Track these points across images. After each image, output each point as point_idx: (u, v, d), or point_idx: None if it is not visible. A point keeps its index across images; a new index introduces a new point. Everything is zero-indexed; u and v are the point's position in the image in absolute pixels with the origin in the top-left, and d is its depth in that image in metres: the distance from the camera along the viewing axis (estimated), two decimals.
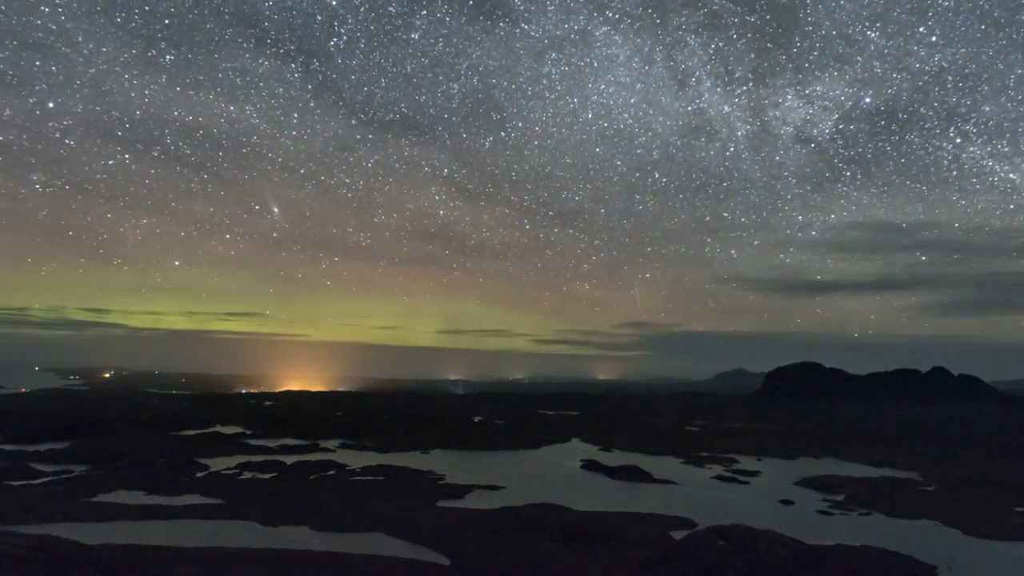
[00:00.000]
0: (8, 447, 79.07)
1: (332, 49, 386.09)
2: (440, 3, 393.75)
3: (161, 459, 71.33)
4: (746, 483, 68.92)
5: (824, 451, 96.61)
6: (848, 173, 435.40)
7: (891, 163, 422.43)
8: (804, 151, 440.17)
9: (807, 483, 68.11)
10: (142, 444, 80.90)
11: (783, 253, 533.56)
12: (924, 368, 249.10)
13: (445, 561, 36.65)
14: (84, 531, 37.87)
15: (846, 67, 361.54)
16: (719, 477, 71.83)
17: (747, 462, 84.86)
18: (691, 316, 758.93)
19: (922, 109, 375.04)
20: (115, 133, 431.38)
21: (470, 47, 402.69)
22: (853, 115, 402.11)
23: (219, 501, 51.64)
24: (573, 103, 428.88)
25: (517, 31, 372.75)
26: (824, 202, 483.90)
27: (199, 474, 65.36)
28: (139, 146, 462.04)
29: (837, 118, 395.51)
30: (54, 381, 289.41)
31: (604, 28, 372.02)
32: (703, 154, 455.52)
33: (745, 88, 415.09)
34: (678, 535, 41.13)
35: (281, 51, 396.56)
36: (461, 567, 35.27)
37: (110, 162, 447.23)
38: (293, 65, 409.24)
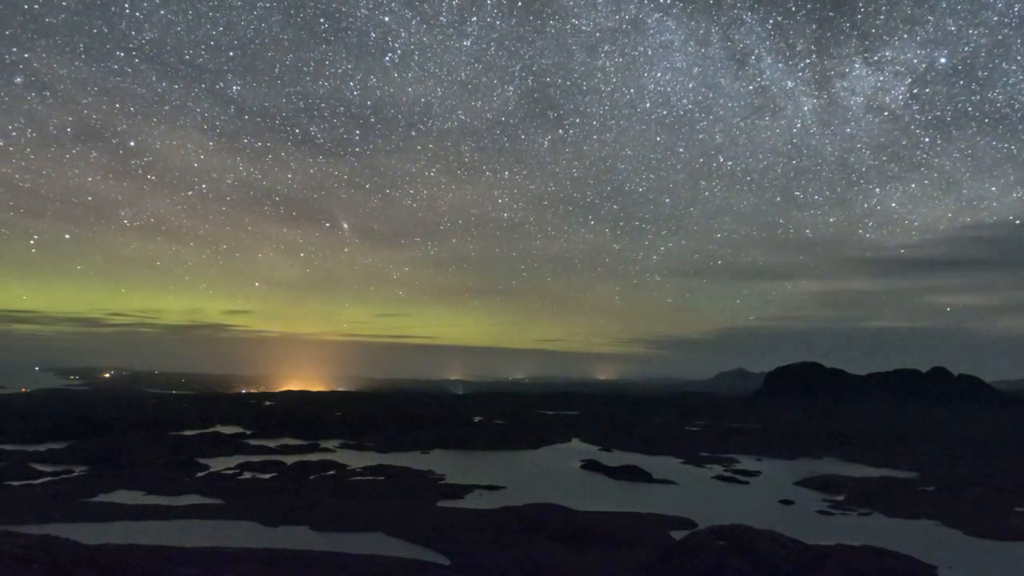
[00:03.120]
0: (8, 447, 79.06)
1: (388, 64, 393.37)
2: (490, 7, 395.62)
3: (161, 459, 71.33)
4: (746, 483, 68.91)
5: (824, 451, 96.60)
6: (927, 139, 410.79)
7: (974, 124, 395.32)
8: (877, 120, 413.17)
9: (807, 483, 68.10)
10: (142, 444, 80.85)
11: (862, 228, 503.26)
12: (924, 368, 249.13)
13: (445, 561, 36.63)
14: (84, 531, 37.86)
15: (916, 28, 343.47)
16: (719, 477, 71.83)
17: (747, 462, 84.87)
18: (767, 304, 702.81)
19: (1004, 64, 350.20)
20: (191, 165, 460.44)
21: (522, 48, 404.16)
22: (928, 78, 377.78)
23: (219, 501, 51.63)
24: (630, 94, 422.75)
25: (568, 27, 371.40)
26: (903, 172, 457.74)
27: (199, 474, 65.36)
28: (214, 175, 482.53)
29: (910, 82, 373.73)
30: (54, 381, 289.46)
31: (656, 15, 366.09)
32: (768, 133, 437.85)
33: (808, 61, 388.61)
34: (678, 535, 41.10)
35: (339, 71, 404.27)
36: (461, 567, 35.26)
37: (188, 193, 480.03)
38: (351, 83, 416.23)
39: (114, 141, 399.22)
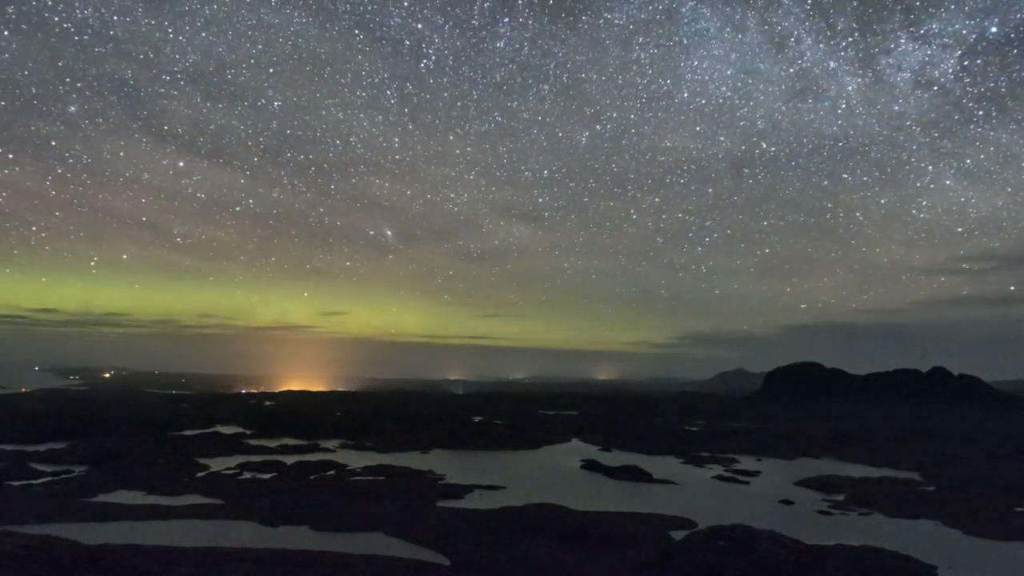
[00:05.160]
0: (8, 447, 79.03)
1: (423, 70, 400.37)
2: (521, 7, 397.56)
3: (161, 459, 71.30)
4: (746, 483, 68.92)
5: (824, 451, 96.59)
6: (980, 112, 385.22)
7: None
8: (926, 95, 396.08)
9: (807, 483, 68.10)
10: (142, 444, 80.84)
11: (915, 208, 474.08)
12: (923, 368, 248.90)
13: (445, 561, 36.64)
14: (84, 531, 37.85)
15: None
16: (719, 477, 71.83)
17: (747, 462, 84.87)
18: (818, 292, 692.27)
19: None
20: (238, 181, 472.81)
21: (555, 46, 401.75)
22: (978, 48, 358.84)
23: (219, 501, 51.63)
24: (667, 85, 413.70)
25: (601, 21, 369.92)
26: (956, 147, 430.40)
27: (199, 474, 65.37)
28: (260, 190, 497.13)
29: (960, 54, 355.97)
30: (54, 381, 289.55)
31: (690, 3, 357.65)
32: (812, 116, 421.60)
33: (851, 39, 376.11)
34: (678, 535, 41.12)
35: (376, 80, 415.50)
36: (461, 567, 35.27)
37: (236, 208, 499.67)
38: (388, 92, 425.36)
39: (164, 163, 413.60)
